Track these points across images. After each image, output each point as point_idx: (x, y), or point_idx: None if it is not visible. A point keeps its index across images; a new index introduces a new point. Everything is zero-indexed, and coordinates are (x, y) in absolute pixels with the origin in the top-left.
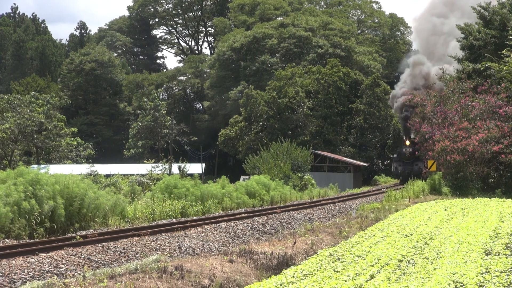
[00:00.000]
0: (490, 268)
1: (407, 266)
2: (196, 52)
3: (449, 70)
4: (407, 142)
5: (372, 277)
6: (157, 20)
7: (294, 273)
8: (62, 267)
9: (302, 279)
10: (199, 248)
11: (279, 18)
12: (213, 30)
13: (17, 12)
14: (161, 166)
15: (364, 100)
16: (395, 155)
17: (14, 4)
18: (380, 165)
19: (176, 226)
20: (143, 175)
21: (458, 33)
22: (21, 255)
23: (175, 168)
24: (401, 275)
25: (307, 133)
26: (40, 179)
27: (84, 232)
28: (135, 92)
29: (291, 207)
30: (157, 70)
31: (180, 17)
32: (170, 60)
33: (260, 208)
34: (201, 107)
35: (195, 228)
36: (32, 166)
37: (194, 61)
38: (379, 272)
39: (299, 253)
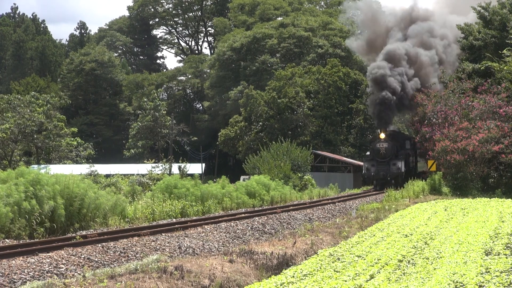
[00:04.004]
0: (490, 268)
1: (407, 266)
2: (196, 52)
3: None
4: (382, 135)
5: (372, 277)
6: (157, 20)
7: (294, 273)
8: (62, 267)
9: (302, 279)
10: (199, 248)
11: (279, 18)
12: (213, 30)
13: (17, 12)
14: (161, 166)
15: (364, 100)
16: (367, 153)
17: (14, 4)
18: None
19: (176, 226)
20: (143, 175)
21: None
22: (21, 255)
23: (175, 168)
24: (401, 275)
25: (307, 133)
26: (40, 179)
27: (84, 232)
28: (135, 92)
29: (291, 207)
30: (157, 70)
31: (180, 17)
32: (170, 60)
33: (260, 208)
34: (201, 107)
35: (195, 228)
36: (32, 166)
37: (194, 61)
38: (379, 272)
39: (299, 253)
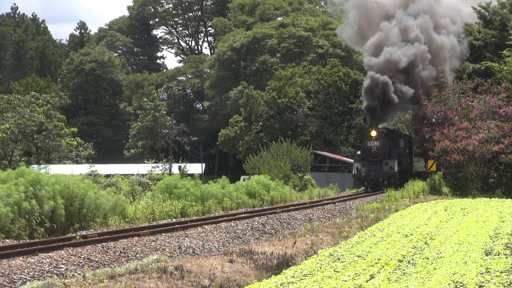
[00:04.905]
0: (490, 268)
1: (407, 266)
2: (196, 52)
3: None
4: (373, 133)
5: (372, 277)
6: (157, 20)
7: (294, 273)
8: (62, 267)
9: (302, 279)
10: (199, 248)
11: (279, 18)
12: (213, 30)
13: (17, 12)
14: (161, 166)
15: None
16: (358, 152)
17: (14, 4)
18: None
19: (176, 226)
20: (143, 175)
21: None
22: (21, 255)
23: (175, 168)
24: (401, 275)
25: (307, 133)
26: (40, 179)
27: (84, 232)
28: (135, 92)
29: (291, 207)
30: (157, 70)
31: (180, 17)
32: (170, 60)
33: (260, 208)
34: (201, 107)
35: (195, 228)
36: (32, 166)
37: (194, 61)
38: (379, 272)
39: (299, 253)
